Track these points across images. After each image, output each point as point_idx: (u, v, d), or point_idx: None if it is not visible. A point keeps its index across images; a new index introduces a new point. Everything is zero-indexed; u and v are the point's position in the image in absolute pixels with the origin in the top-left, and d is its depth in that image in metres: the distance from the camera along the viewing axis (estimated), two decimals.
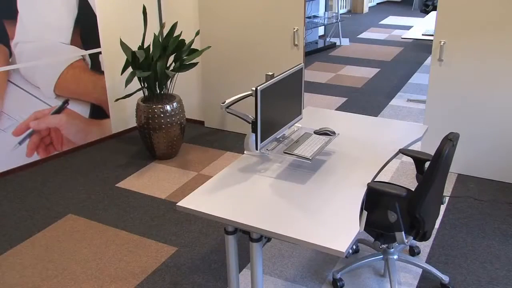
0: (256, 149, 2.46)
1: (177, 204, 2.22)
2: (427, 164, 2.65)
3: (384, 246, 2.77)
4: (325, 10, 9.77)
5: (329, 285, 2.79)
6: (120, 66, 4.74)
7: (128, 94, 4.20)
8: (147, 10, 4.74)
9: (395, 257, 2.78)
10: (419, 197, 2.35)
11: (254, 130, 2.44)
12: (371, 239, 3.17)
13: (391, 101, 5.77)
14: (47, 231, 3.36)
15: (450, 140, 2.28)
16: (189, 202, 2.23)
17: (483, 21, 3.57)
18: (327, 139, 2.70)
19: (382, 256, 2.80)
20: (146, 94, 4.27)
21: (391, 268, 2.72)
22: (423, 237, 2.48)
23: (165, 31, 4.94)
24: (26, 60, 4.03)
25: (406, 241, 2.45)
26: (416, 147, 4.24)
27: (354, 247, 3.10)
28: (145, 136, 4.22)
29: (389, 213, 2.40)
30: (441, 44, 3.74)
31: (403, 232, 2.42)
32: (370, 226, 2.54)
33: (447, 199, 3.64)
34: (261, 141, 2.47)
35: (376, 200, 2.64)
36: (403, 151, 2.69)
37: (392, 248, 2.79)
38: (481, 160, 3.90)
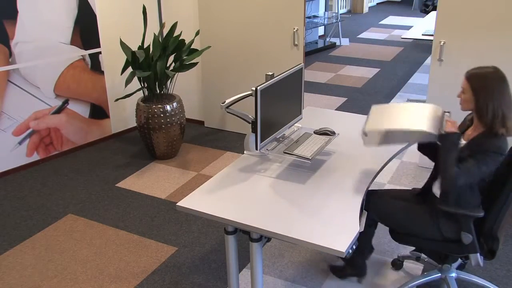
0: (256, 149, 2.46)
1: (177, 204, 2.22)
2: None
3: (440, 265, 2.60)
4: (325, 10, 9.77)
5: (329, 285, 2.80)
6: (120, 66, 4.74)
7: (128, 94, 4.20)
8: (147, 10, 4.73)
9: (453, 275, 2.59)
10: (497, 215, 2.23)
11: (254, 130, 2.44)
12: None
13: (391, 101, 5.77)
14: (47, 231, 3.36)
15: None
16: (189, 202, 2.23)
17: (483, 21, 3.56)
18: (327, 139, 2.70)
19: (439, 274, 2.61)
20: (146, 94, 4.27)
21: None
22: (492, 255, 2.34)
23: (165, 31, 4.94)
24: (26, 60, 4.03)
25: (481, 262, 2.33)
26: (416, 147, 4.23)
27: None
28: (145, 136, 4.22)
29: (463, 235, 2.27)
30: (441, 44, 3.74)
31: (478, 254, 2.30)
32: (436, 248, 2.38)
33: None
34: (261, 141, 2.47)
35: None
36: None
37: (450, 264, 2.59)
38: None
